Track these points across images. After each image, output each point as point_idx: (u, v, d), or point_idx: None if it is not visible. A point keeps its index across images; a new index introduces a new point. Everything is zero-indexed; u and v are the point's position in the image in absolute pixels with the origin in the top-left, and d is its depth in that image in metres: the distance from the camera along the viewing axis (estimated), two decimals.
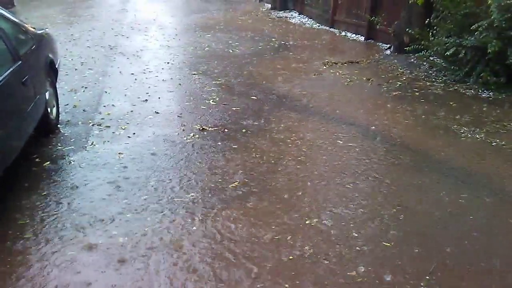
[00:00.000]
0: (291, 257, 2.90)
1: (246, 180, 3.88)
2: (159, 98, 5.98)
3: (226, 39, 9.94)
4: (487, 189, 3.90)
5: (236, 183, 3.82)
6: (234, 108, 5.64)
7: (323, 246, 3.04)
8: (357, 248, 3.04)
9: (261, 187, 3.78)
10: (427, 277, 2.79)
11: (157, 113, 5.41)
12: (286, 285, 2.68)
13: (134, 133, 4.78)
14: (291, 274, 2.78)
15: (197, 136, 4.78)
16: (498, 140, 4.89)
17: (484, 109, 5.90)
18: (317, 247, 3.02)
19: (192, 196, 3.62)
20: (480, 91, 6.55)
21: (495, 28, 6.42)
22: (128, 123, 5.04)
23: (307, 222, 3.30)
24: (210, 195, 3.63)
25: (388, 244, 3.10)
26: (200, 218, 3.33)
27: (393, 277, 2.77)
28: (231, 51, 8.85)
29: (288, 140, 4.76)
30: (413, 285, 2.72)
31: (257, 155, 4.36)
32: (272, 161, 4.26)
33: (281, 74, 7.32)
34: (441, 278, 2.80)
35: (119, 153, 4.30)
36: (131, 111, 5.43)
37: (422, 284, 2.73)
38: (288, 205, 3.54)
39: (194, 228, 3.21)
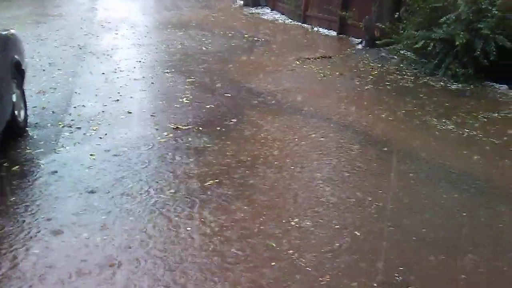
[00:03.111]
0: (273, 263, 2.88)
1: (221, 179, 3.86)
2: (131, 97, 5.89)
3: (198, 37, 9.86)
4: (459, 179, 3.98)
5: (210, 182, 3.80)
6: (208, 106, 5.60)
7: (304, 247, 3.05)
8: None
9: (236, 186, 3.76)
10: (397, 275, 2.83)
11: (130, 113, 5.33)
12: None
13: (106, 134, 4.70)
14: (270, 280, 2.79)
15: (171, 135, 4.73)
16: (467, 130, 5.01)
17: (453, 100, 6.03)
18: (298, 248, 3.03)
19: (166, 196, 3.57)
20: (449, 83, 6.69)
21: (462, 21, 6.56)
22: (99, 124, 4.95)
23: (283, 221, 3.30)
24: (184, 195, 3.60)
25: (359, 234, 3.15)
26: (174, 219, 3.29)
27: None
28: (204, 49, 8.80)
29: (263, 137, 4.76)
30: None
31: (232, 153, 4.35)
32: (247, 159, 4.25)
33: (255, 71, 7.31)
34: (417, 271, 2.85)
35: (91, 155, 4.22)
36: (103, 111, 5.34)
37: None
38: (264, 205, 3.53)
39: (169, 229, 3.18)
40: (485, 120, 5.34)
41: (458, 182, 3.92)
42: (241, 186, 3.76)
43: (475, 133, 4.94)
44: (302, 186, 3.80)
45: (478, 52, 6.36)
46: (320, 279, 2.70)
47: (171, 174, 3.93)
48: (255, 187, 3.77)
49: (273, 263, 2.83)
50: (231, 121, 5.15)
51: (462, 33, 6.42)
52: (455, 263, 2.91)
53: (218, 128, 4.93)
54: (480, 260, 2.93)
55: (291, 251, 2.94)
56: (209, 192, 3.64)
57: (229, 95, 6.08)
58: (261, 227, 3.20)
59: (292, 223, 3.26)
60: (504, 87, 6.57)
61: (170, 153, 4.33)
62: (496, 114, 5.56)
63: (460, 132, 4.97)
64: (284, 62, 7.90)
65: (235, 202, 3.52)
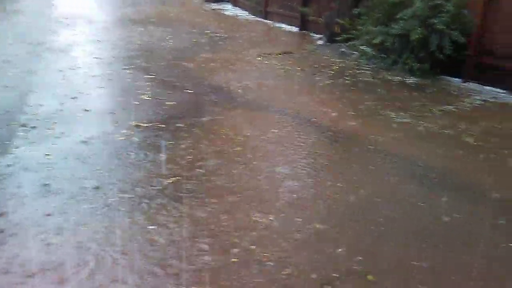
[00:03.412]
0: (235, 259, 2.88)
1: (183, 177, 3.82)
2: (89, 95, 5.75)
3: (159, 33, 9.73)
4: (417, 171, 4.10)
5: (172, 179, 3.76)
6: (169, 103, 5.54)
7: (266, 242, 3.06)
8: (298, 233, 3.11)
9: (198, 183, 3.74)
10: (356, 265, 2.90)
11: (88, 110, 5.19)
12: None
13: (63, 133, 4.56)
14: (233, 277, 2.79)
15: (131, 133, 4.65)
16: (423, 123, 5.16)
17: (410, 94, 6.20)
18: (260, 243, 3.04)
19: (126, 196, 3.51)
20: (406, 77, 6.88)
21: (418, 17, 6.75)
22: (56, 123, 4.80)
23: (246, 217, 3.31)
24: (144, 194, 3.55)
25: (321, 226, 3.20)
26: (134, 219, 3.24)
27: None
28: (164, 44, 8.69)
29: (225, 133, 4.75)
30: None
31: (194, 150, 4.32)
32: (210, 155, 4.23)
33: (217, 67, 7.29)
34: (375, 261, 2.92)
35: (47, 154, 4.09)
36: (60, 109, 5.18)
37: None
38: (226, 201, 3.53)
39: (128, 229, 3.13)
40: (440, 113, 5.53)
41: (416, 174, 4.04)
42: (203, 183, 3.74)
43: (430, 125, 5.10)
44: (265, 181, 3.82)
45: (434, 47, 6.57)
46: (282, 272, 2.73)
47: (131, 172, 3.87)
48: (217, 183, 3.75)
49: (234, 260, 2.83)
50: (193, 118, 5.11)
51: (418, 28, 6.61)
52: (412, 252, 3.00)
53: (180, 125, 4.88)
54: (435, 251, 3.03)
55: (253, 247, 2.95)
56: (170, 190, 3.60)
57: (191, 91, 6.03)
58: (224, 224, 3.20)
59: (255, 218, 3.27)
60: (458, 80, 6.82)
61: (130, 151, 4.25)
62: (451, 106, 5.76)
63: (417, 124, 5.12)
64: (245, 58, 7.91)
65: (197, 199, 3.50)
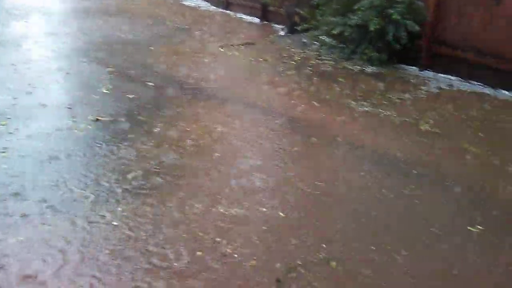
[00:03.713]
0: (199, 252, 2.87)
1: (146, 171, 3.78)
2: (45, 89, 5.56)
3: (118, 24, 9.50)
4: (379, 159, 4.21)
5: (134, 174, 3.71)
6: (130, 96, 5.44)
7: (231, 233, 3.08)
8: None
9: (163, 177, 3.71)
10: (320, 253, 2.96)
11: (44, 105, 5.03)
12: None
13: (17, 129, 4.40)
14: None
15: (90, 127, 4.55)
16: (383, 111, 5.30)
17: (370, 83, 6.33)
18: (225, 235, 3.05)
19: (87, 192, 3.44)
20: (365, 66, 7.01)
21: (375, 7, 6.88)
22: (9, 118, 4.63)
23: (212, 209, 3.31)
24: (107, 190, 3.49)
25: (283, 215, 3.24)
26: (96, 214, 3.19)
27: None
28: (123, 36, 8.49)
29: (189, 126, 4.72)
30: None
31: (157, 144, 4.27)
32: (174, 149, 4.20)
33: (178, 59, 7.20)
34: (338, 248, 2.99)
35: (1, 152, 3.95)
36: (13, 104, 4.99)
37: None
38: (192, 194, 3.51)
39: (90, 227, 3.07)
40: (399, 101, 5.68)
41: (378, 162, 4.15)
42: (168, 177, 3.70)
43: (389, 113, 5.24)
44: (230, 174, 3.82)
45: (390, 37, 6.73)
46: (245, 264, 2.75)
47: (92, 168, 3.79)
48: (181, 177, 3.73)
49: (199, 253, 2.83)
50: (155, 111, 5.04)
51: (375, 19, 6.74)
52: (373, 239, 3.09)
53: (142, 118, 4.81)
54: (396, 238, 3.13)
55: (218, 239, 2.96)
56: (133, 185, 3.56)
57: (152, 84, 5.94)
58: (190, 217, 3.19)
59: (221, 210, 3.28)
60: (415, 69, 7.01)
61: (90, 146, 4.16)
62: (408, 95, 5.93)
63: (377, 113, 5.24)
64: (207, 49, 7.85)
65: (162, 192, 3.48)
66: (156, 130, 4.55)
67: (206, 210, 3.28)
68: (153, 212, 3.22)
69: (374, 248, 2.95)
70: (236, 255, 2.81)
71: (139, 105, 5.19)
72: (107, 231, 3.00)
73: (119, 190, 3.47)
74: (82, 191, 3.43)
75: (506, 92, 5.98)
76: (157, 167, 3.83)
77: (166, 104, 5.28)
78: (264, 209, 3.32)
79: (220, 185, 3.63)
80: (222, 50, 7.83)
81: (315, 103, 5.52)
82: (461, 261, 2.89)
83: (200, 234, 3.00)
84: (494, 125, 5.06)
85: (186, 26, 9.62)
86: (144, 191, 3.47)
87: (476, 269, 2.84)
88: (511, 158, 4.24)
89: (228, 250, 2.86)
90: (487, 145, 4.51)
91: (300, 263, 2.77)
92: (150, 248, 2.85)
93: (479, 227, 3.19)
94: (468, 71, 6.49)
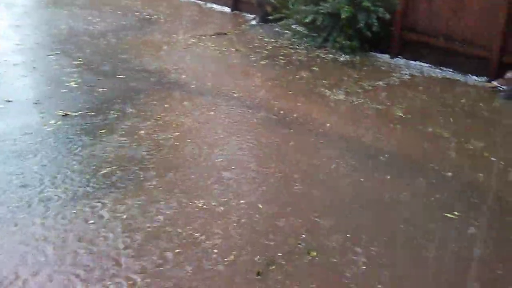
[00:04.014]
0: (178, 250, 2.82)
1: (119, 166, 3.69)
2: (10, 84, 5.34)
3: (85, 15, 9.20)
4: (353, 146, 4.24)
5: (107, 169, 3.62)
6: (100, 90, 5.28)
7: (210, 228, 3.03)
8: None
9: (136, 172, 3.63)
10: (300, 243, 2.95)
11: (9, 101, 4.83)
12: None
13: None
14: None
15: (59, 123, 4.40)
16: (356, 99, 5.32)
17: (343, 72, 6.35)
18: (204, 231, 3.01)
19: (58, 190, 3.34)
20: (337, 55, 7.02)
21: None
22: None
23: (189, 204, 3.26)
24: (78, 186, 3.39)
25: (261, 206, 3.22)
26: (70, 212, 3.09)
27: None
28: (91, 28, 8.24)
29: (161, 118, 4.62)
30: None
31: (130, 138, 4.17)
32: (147, 142, 4.10)
33: (149, 50, 7.03)
34: (317, 237, 2.99)
35: None
36: None
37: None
38: (167, 189, 3.45)
39: (63, 224, 2.98)
40: (371, 88, 5.72)
41: (353, 150, 4.17)
42: (141, 171, 3.63)
43: (363, 101, 5.27)
44: (205, 167, 3.77)
45: (362, 25, 6.75)
46: (226, 259, 2.71)
47: (62, 165, 3.67)
48: (156, 171, 3.66)
49: (178, 250, 2.78)
50: (126, 105, 4.92)
51: (346, 7, 6.75)
52: (350, 227, 3.11)
53: (113, 112, 4.69)
54: (373, 226, 3.15)
55: (197, 234, 2.91)
56: (105, 181, 3.47)
57: (122, 76, 5.79)
58: (166, 212, 3.13)
59: (200, 204, 3.23)
60: (387, 57, 7.07)
61: (59, 143, 4.03)
62: (380, 82, 5.98)
63: (351, 101, 5.27)
64: (178, 40, 7.70)
65: (136, 188, 3.40)
66: (127, 124, 4.44)
67: (183, 205, 3.22)
68: (127, 209, 3.15)
69: (350, 236, 2.96)
70: (216, 251, 2.77)
71: (109, 99, 5.06)
72: (80, 229, 2.91)
73: (90, 188, 3.37)
74: (53, 189, 3.32)
75: (476, 78, 6.10)
76: (130, 163, 3.74)
77: (137, 98, 5.16)
78: (242, 202, 3.29)
79: (196, 179, 3.58)
80: (193, 40, 7.70)
81: (289, 92, 5.50)
82: (438, 248, 2.93)
83: (179, 230, 2.94)
84: (466, 111, 5.15)
85: (156, 17, 9.40)
86: (117, 188, 3.39)
87: (452, 257, 2.89)
88: (485, 144, 4.32)
89: (207, 246, 2.81)
90: (461, 131, 4.59)
91: (280, 254, 2.76)
92: (126, 246, 2.79)
93: (456, 213, 3.23)
94: (438, 58, 6.59)
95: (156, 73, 6.00)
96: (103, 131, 4.27)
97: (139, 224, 3.00)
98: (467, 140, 4.39)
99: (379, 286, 2.58)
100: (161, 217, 3.07)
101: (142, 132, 4.30)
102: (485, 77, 6.07)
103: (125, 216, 3.06)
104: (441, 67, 6.53)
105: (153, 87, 5.51)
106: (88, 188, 3.36)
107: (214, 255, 2.74)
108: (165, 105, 4.98)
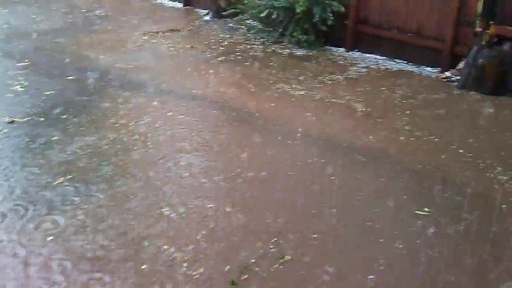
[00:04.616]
0: (144, 266, 2.66)
1: (74, 174, 3.46)
2: None
3: (28, 13, 8.68)
4: (318, 140, 4.20)
5: (61, 179, 3.39)
6: (48, 93, 4.98)
7: (178, 237, 2.89)
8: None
9: (93, 180, 3.42)
10: (272, 247, 2.87)
11: None
12: None
13: None
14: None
15: (5, 130, 4.10)
16: (317, 93, 5.30)
17: (301, 66, 6.31)
18: (173, 241, 2.86)
19: (9, 203, 3.09)
20: (294, 49, 6.99)
21: None
22: None
23: (154, 212, 3.09)
24: (31, 198, 3.15)
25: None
26: (23, 229, 2.86)
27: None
28: (36, 27, 7.78)
29: (117, 121, 4.41)
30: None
31: (84, 143, 3.94)
32: (103, 147, 3.89)
33: (99, 49, 6.72)
34: (291, 238, 2.92)
35: None
36: None
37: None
38: (128, 197, 3.27)
39: (22, 239, 2.75)
40: (330, 82, 5.72)
41: (316, 144, 4.14)
42: (98, 178, 3.42)
43: (324, 95, 5.25)
44: (167, 170, 3.61)
45: (317, 19, 6.75)
46: (196, 271, 2.58)
47: (12, 175, 3.40)
48: (115, 178, 3.46)
49: (144, 267, 2.61)
50: (78, 107, 4.66)
51: (301, 1, 6.71)
52: (321, 227, 3.06)
53: (64, 117, 4.42)
54: (343, 226, 3.12)
55: (165, 246, 2.76)
56: (60, 190, 3.24)
57: (72, 77, 5.48)
58: (130, 223, 2.96)
59: (165, 212, 3.07)
60: (341, 50, 7.10)
61: (6, 152, 3.74)
62: (339, 76, 5.99)
63: (312, 95, 5.24)
64: (130, 37, 7.41)
65: (94, 197, 3.20)
66: (82, 129, 4.20)
67: (147, 214, 3.06)
68: (86, 220, 2.95)
69: (317, 236, 2.91)
70: (185, 264, 2.62)
71: (60, 102, 4.77)
72: (38, 244, 2.70)
73: (45, 198, 3.14)
74: (6, 204, 3.07)
75: (430, 69, 6.23)
76: (86, 170, 3.53)
77: (90, 99, 4.90)
78: (211, 205, 3.17)
79: (159, 183, 3.42)
80: (145, 38, 7.43)
81: (248, 89, 5.40)
82: (411, 249, 2.93)
83: (146, 243, 2.78)
84: (424, 102, 5.23)
85: (105, 13, 9.02)
86: (75, 197, 3.18)
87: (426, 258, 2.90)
88: (448, 136, 4.37)
89: (176, 259, 2.66)
90: (422, 123, 4.64)
91: (254, 260, 2.66)
92: (90, 255, 2.61)
93: (426, 209, 3.24)
94: (393, 50, 6.68)
95: (109, 73, 5.73)
96: (55, 137, 4.01)
97: (99, 238, 2.81)
98: (429, 132, 4.43)
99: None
100: (124, 228, 2.90)
101: (99, 136, 4.07)
102: (439, 68, 6.21)
103: (83, 228, 2.87)
104: (396, 59, 6.62)
105: (106, 87, 5.26)
106: (41, 199, 3.13)
107: (183, 270, 2.58)
108: (120, 106, 4.75)
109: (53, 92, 5.01)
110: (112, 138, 4.05)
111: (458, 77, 5.81)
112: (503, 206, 3.32)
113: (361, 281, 2.58)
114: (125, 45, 6.99)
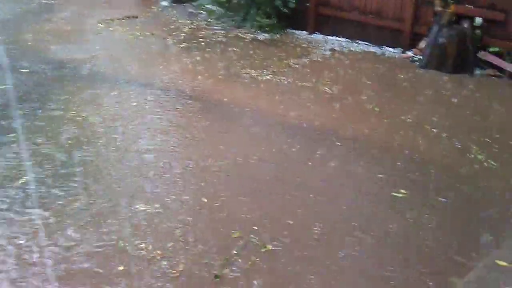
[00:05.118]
0: (121, 267, 2.55)
1: (38, 174, 3.27)
2: None
3: None
4: (290, 125, 4.17)
5: (24, 180, 3.20)
6: (2, 87, 4.69)
7: (155, 235, 2.79)
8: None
9: (57, 178, 3.24)
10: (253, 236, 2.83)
11: None
12: None
13: None
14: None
15: None
16: (284, 78, 5.26)
17: (265, 51, 6.24)
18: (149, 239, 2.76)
19: None
20: (257, 33, 6.90)
21: None
22: None
23: (128, 208, 2.97)
24: None
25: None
26: None
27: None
28: None
29: (78, 114, 4.19)
30: None
31: (45, 140, 3.73)
32: (66, 143, 3.70)
33: (54, 39, 6.38)
34: (268, 227, 2.88)
35: None
36: None
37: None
38: (98, 194, 3.12)
39: None
40: (297, 66, 5.68)
41: (287, 130, 4.10)
42: (62, 178, 3.24)
43: (291, 80, 5.22)
44: (136, 166, 3.46)
45: (279, 2, 6.68)
46: (174, 269, 2.48)
47: None
48: (82, 174, 3.30)
49: (120, 268, 2.49)
50: (35, 103, 4.40)
51: None
52: (296, 213, 3.04)
53: (21, 113, 4.17)
54: (315, 212, 3.11)
55: (143, 245, 2.65)
56: (23, 191, 3.06)
57: (28, 70, 5.18)
58: (103, 222, 2.82)
59: (142, 208, 2.95)
60: (304, 33, 7.08)
61: None
62: (304, 59, 5.96)
63: (280, 80, 5.19)
64: (86, 26, 7.08)
65: (60, 196, 3.04)
66: (41, 125, 3.97)
67: (119, 211, 2.93)
68: (54, 222, 2.80)
69: (292, 223, 2.89)
70: (164, 262, 2.53)
71: (16, 97, 4.49)
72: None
73: (9, 199, 2.95)
74: None
75: (392, 49, 6.30)
76: (49, 167, 3.34)
77: (48, 93, 4.65)
78: (186, 197, 3.08)
79: (130, 179, 3.29)
80: (102, 25, 7.12)
81: (214, 76, 5.29)
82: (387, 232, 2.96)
83: (121, 244, 2.66)
84: (389, 82, 5.29)
85: (57, 1, 8.58)
86: (42, 199, 3.00)
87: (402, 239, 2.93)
88: (419, 116, 4.41)
89: (155, 256, 2.56)
90: (390, 104, 4.68)
91: (236, 252, 2.60)
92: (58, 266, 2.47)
93: (402, 191, 3.27)
94: (354, 32, 6.71)
95: (66, 64, 5.46)
96: (13, 136, 3.77)
97: (69, 237, 2.67)
98: (399, 112, 4.48)
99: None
100: (94, 228, 2.77)
101: (60, 131, 3.87)
102: (400, 48, 6.29)
103: (53, 229, 2.72)
104: (358, 41, 6.66)
105: (65, 79, 5.01)
106: (6, 199, 2.94)
107: (163, 268, 2.48)
108: (81, 98, 4.54)
109: (7, 86, 4.72)
110: (72, 132, 3.86)
111: (420, 57, 5.91)
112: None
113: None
114: (82, 34, 6.68)
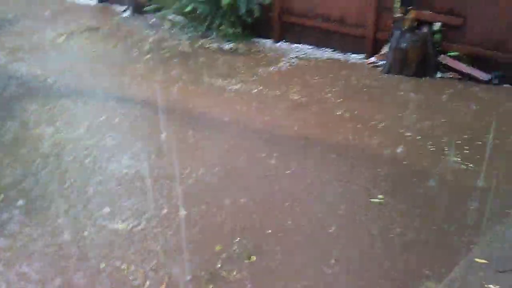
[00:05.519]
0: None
1: (7, 195, 3.13)
2: None
3: None
4: (258, 133, 4.15)
5: None
6: None
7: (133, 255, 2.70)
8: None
9: (29, 198, 3.11)
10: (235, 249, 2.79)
11: None
12: None
13: None
14: None
15: None
16: (254, 87, 5.26)
17: (232, 60, 6.24)
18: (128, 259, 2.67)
19: None
20: (222, 43, 6.88)
21: None
22: None
23: (99, 229, 2.87)
24: None
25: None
26: None
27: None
28: None
29: (41, 133, 4.06)
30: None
31: (9, 162, 3.57)
32: (33, 165, 3.55)
33: (12, 53, 6.15)
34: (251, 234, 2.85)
35: None
36: None
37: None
38: (70, 215, 3.01)
39: None
40: (264, 75, 5.70)
41: (260, 138, 4.10)
42: (28, 201, 3.10)
43: (261, 88, 5.23)
44: (104, 179, 3.38)
45: (243, 11, 6.69)
46: None
47: None
48: (53, 193, 3.18)
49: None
50: None
51: None
52: (280, 222, 3.03)
53: None
54: (296, 219, 3.11)
55: (123, 266, 2.55)
56: None
57: None
58: (86, 242, 2.72)
59: (115, 226, 2.86)
60: (270, 41, 7.11)
61: None
62: (271, 67, 5.99)
63: (249, 90, 5.19)
64: (46, 39, 6.87)
65: (34, 214, 2.92)
66: (3, 148, 3.80)
67: (94, 230, 2.84)
68: (30, 244, 2.67)
69: (281, 235, 2.88)
70: (148, 283, 2.46)
71: None
72: None
73: None
74: None
75: (356, 56, 6.42)
76: (22, 188, 3.21)
77: (8, 111, 4.46)
78: (165, 211, 3.01)
79: (101, 196, 3.19)
80: (62, 38, 6.93)
81: (181, 87, 5.23)
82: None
83: (102, 266, 2.56)
84: (356, 89, 5.38)
85: (14, 14, 8.28)
86: (10, 223, 2.87)
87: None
88: (390, 120, 4.48)
89: (136, 279, 2.48)
90: (359, 109, 4.74)
91: (220, 265, 2.56)
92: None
93: (380, 197, 3.31)
94: (319, 39, 6.79)
95: (26, 79, 5.28)
96: None
97: (38, 252, 2.56)
98: (369, 117, 4.53)
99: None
100: (61, 244, 2.66)
101: (23, 153, 3.72)
102: (364, 54, 6.42)
103: (22, 254, 2.60)
104: (323, 48, 6.74)
105: (25, 96, 4.83)
106: None
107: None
108: (43, 116, 4.38)
109: None
110: (36, 150, 3.71)
111: (383, 62, 6.05)
112: None
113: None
114: (40, 48, 6.48)
